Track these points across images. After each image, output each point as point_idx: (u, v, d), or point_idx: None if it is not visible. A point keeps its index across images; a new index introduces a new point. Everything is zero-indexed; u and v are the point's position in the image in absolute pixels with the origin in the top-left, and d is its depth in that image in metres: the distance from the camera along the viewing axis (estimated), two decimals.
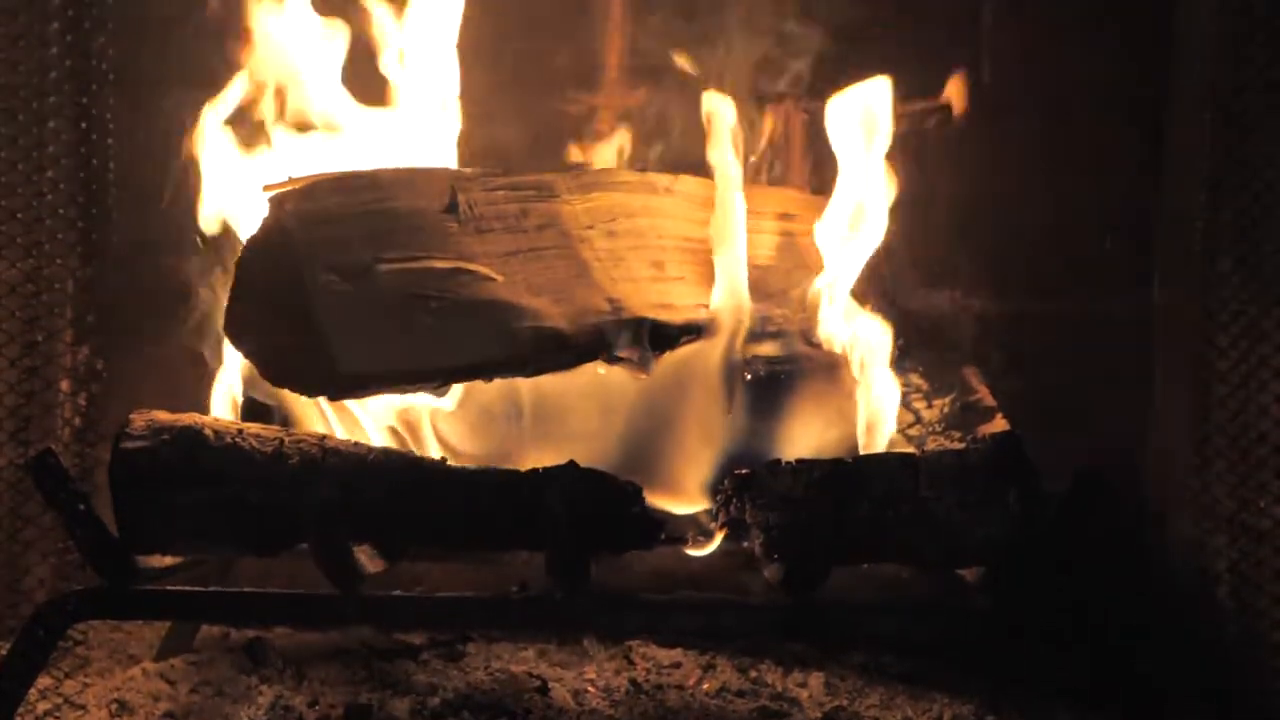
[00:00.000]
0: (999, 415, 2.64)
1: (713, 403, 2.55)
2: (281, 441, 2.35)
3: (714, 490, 2.45)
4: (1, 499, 2.67)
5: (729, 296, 2.61)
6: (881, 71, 2.85)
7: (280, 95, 2.72)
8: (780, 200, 2.89)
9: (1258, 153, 2.68)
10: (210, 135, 2.70)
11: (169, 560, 2.42)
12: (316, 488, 2.32)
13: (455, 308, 2.36)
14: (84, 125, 2.71)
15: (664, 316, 2.54)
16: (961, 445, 2.47)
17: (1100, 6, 2.98)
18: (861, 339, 2.69)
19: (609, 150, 3.03)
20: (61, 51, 2.66)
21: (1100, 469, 2.35)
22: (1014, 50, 3.03)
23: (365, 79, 2.78)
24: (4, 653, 2.35)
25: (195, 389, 2.66)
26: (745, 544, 2.38)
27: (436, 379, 2.40)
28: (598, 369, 2.51)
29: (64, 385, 2.71)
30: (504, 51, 3.00)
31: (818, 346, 2.66)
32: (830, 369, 2.59)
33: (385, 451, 2.39)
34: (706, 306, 2.62)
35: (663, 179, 2.74)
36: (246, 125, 2.72)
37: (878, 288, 2.80)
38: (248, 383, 2.57)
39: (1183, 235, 2.79)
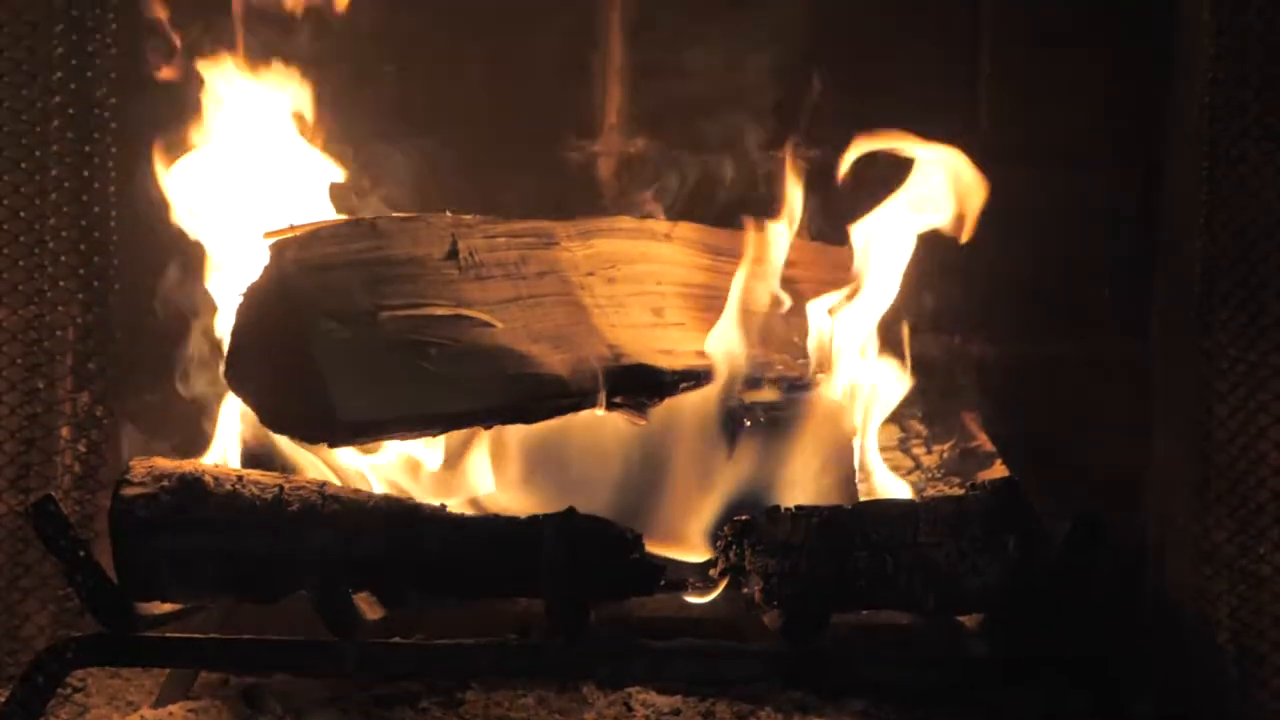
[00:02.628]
0: (998, 461, 2.64)
1: (712, 449, 2.55)
2: (281, 488, 2.35)
3: (714, 536, 2.45)
4: (1, 546, 2.66)
5: (729, 343, 2.62)
6: (880, 119, 2.87)
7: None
8: None
9: (1255, 199, 2.69)
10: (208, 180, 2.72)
11: (168, 607, 2.42)
12: (316, 534, 2.32)
13: (455, 355, 2.37)
14: (86, 173, 2.72)
15: (663, 363, 2.55)
16: (961, 491, 2.47)
17: (1098, 54, 3.00)
18: (862, 385, 2.69)
19: (609, 197, 3.04)
20: (64, 100, 2.68)
21: (1100, 514, 2.35)
22: (1012, 96, 3.04)
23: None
24: (3, 700, 2.35)
25: (196, 436, 2.67)
26: (745, 590, 2.38)
27: (436, 426, 2.41)
28: (596, 415, 2.52)
29: (64, 432, 2.71)
30: (504, 98, 3.01)
31: (817, 392, 2.67)
32: (830, 415, 2.59)
33: (385, 498, 2.39)
34: (705, 352, 2.62)
35: (662, 225, 2.76)
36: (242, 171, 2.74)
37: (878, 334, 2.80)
38: (247, 429, 2.58)
39: (1181, 281, 2.79)
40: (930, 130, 2.90)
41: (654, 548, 2.41)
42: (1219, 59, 2.70)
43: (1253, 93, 2.67)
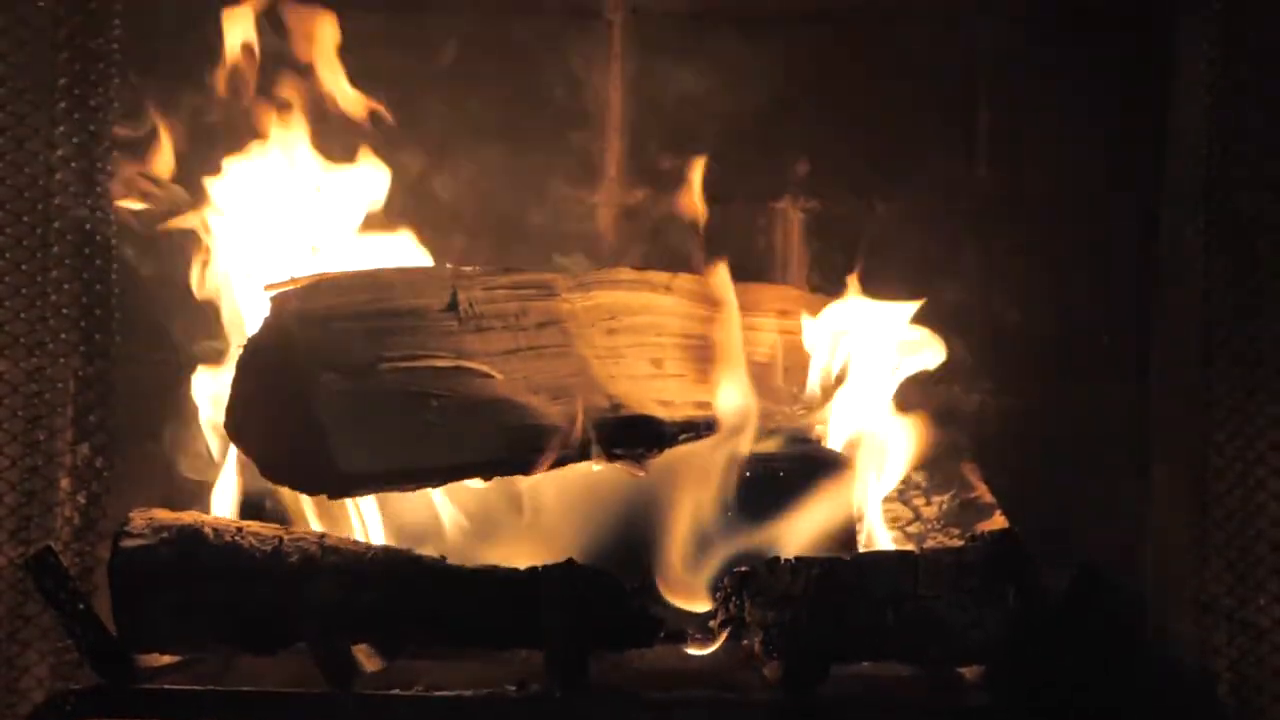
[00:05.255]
0: (998, 512, 2.64)
1: (713, 500, 2.54)
2: (280, 540, 2.35)
3: (714, 588, 2.45)
4: (1, 598, 2.66)
5: (733, 395, 2.62)
6: (878, 171, 2.88)
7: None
8: (779, 298, 2.91)
9: (1252, 250, 2.70)
10: (213, 232, 2.74)
11: (167, 658, 2.42)
12: (315, 586, 2.32)
13: (455, 406, 2.37)
14: (88, 226, 2.74)
15: (663, 414, 2.55)
16: (960, 543, 2.47)
17: (1096, 106, 3.01)
18: (862, 436, 2.70)
19: (608, 248, 3.05)
20: (67, 154, 2.69)
21: (1099, 565, 2.34)
22: (1011, 147, 3.05)
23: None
24: None
25: (196, 487, 2.67)
26: (745, 642, 2.38)
27: (436, 478, 2.41)
28: (596, 466, 2.52)
29: (64, 484, 2.72)
30: (504, 150, 3.02)
31: (817, 443, 2.67)
32: (829, 466, 2.59)
33: (384, 549, 2.39)
34: (705, 403, 2.63)
35: (661, 277, 2.76)
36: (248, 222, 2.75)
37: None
38: (248, 480, 2.58)
39: (1180, 332, 2.80)
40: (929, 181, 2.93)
41: (654, 598, 2.41)
42: (1215, 109, 2.72)
43: (1249, 143, 2.68)
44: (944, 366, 2.83)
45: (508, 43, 2.95)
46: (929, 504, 2.78)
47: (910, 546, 2.62)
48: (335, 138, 2.84)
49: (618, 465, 2.52)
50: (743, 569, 2.38)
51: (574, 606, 2.30)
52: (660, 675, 2.57)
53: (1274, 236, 2.69)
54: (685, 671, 2.56)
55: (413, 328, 2.40)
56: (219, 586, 2.32)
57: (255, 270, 2.64)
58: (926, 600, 2.33)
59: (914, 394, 2.81)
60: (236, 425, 2.39)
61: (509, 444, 2.41)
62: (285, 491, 2.48)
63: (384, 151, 2.86)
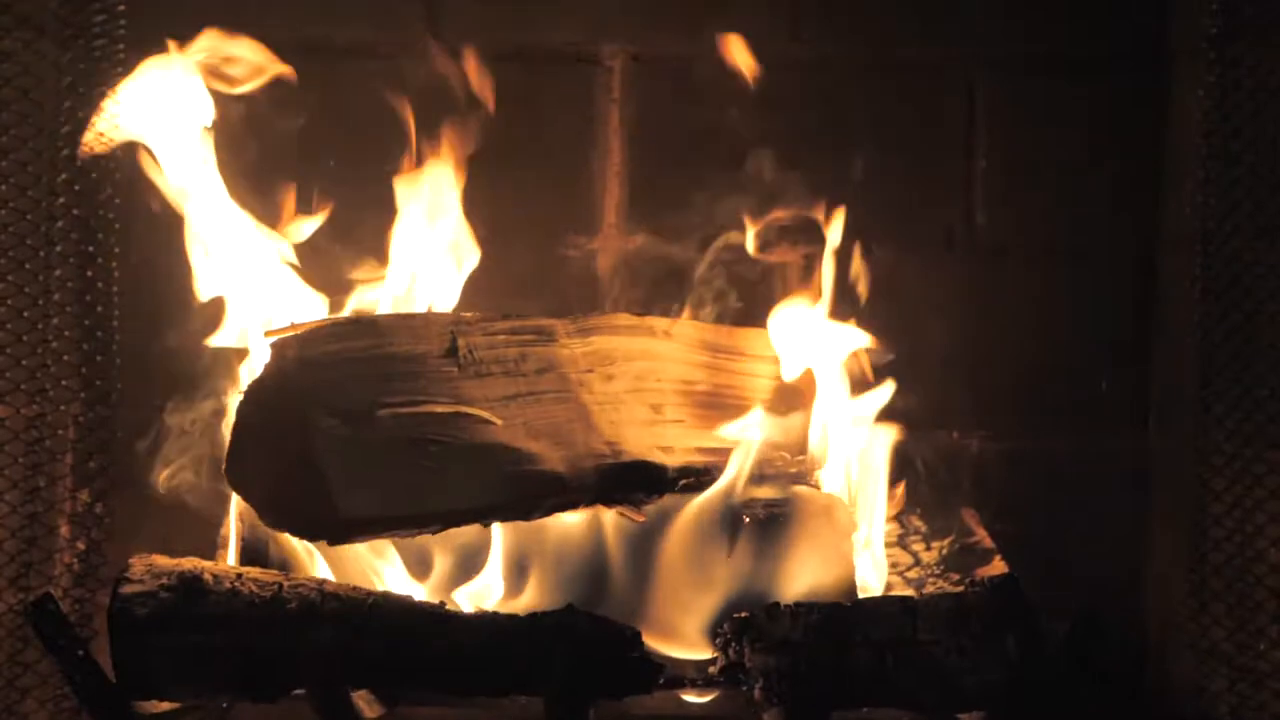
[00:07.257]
0: (997, 557, 2.64)
1: (712, 545, 2.54)
2: (280, 586, 2.35)
3: (713, 634, 2.45)
4: (0, 644, 2.66)
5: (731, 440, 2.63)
6: (875, 215, 2.90)
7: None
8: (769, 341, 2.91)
9: (1249, 296, 2.70)
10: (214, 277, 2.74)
11: (166, 705, 2.41)
12: (315, 633, 2.31)
13: (455, 452, 2.37)
14: (89, 273, 2.74)
15: (662, 460, 2.55)
16: (960, 588, 2.47)
17: (1093, 151, 3.02)
18: (859, 481, 2.70)
19: (607, 294, 3.06)
20: (68, 200, 2.70)
21: (1098, 611, 2.34)
22: (1007, 193, 3.07)
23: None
24: None
25: (195, 533, 2.67)
26: (745, 688, 2.37)
27: (436, 523, 2.41)
28: (595, 512, 2.52)
29: (64, 530, 2.72)
30: (503, 196, 3.03)
31: (815, 488, 2.67)
32: (828, 511, 2.59)
33: (384, 596, 2.39)
34: (704, 449, 2.63)
35: (661, 322, 2.77)
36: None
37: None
38: (247, 526, 2.58)
39: (1178, 378, 2.81)
40: (926, 225, 2.94)
41: (654, 645, 2.41)
42: (1210, 158, 2.73)
43: (1244, 190, 2.69)
44: (944, 412, 2.84)
45: (506, 88, 2.95)
46: (928, 549, 2.78)
47: (910, 592, 2.62)
48: (329, 177, 2.86)
49: (617, 511, 2.52)
50: (742, 615, 2.38)
51: (574, 652, 2.30)
52: None
53: (1271, 283, 2.70)
54: (686, 718, 2.56)
55: (412, 373, 2.41)
56: (218, 633, 2.31)
57: (257, 315, 2.65)
58: (926, 646, 2.33)
59: (912, 440, 2.82)
60: (237, 471, 2.39)
61: (509, 490, 2.41)
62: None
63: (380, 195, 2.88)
